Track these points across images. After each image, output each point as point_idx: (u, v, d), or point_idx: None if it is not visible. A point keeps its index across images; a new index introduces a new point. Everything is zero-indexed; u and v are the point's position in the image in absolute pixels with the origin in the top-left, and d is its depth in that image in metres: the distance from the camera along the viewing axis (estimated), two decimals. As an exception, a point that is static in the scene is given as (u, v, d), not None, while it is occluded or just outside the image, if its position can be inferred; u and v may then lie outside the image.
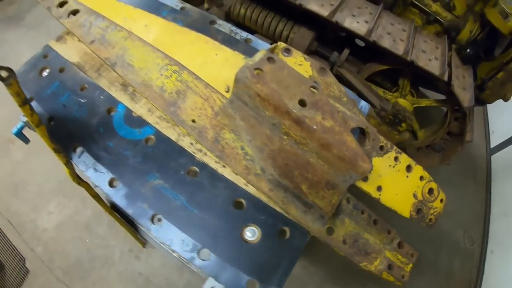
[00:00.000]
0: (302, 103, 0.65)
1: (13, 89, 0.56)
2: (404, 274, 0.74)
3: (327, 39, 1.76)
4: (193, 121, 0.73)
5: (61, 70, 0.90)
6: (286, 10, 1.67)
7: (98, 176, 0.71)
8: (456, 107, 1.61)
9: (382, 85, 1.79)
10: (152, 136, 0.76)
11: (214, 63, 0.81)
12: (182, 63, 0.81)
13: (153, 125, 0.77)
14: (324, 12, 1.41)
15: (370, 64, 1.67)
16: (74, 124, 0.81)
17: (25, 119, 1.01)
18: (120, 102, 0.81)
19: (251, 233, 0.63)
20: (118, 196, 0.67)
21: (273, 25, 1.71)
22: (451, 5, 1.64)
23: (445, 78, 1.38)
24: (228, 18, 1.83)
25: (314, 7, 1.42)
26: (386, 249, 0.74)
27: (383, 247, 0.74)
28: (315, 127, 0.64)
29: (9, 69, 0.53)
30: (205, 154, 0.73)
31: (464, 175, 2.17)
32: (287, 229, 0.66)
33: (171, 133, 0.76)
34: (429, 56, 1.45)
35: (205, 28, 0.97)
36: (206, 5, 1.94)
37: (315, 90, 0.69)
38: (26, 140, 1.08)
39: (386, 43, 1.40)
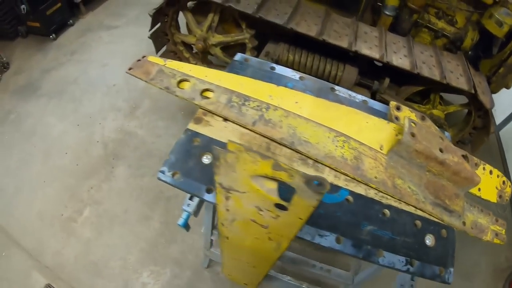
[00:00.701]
0: (441, 150, 0.96)
1: (319, 197, 0.63)
2: (504, 237, 1.08)
3: (362, 69, 2.12)
4: (375, 177, 0.95)
5: (228, 154, 0.99)
6: (325, 49, 1.97)
7: (326, 239, 0.85)
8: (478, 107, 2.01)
9: (412, 99, 2.20)
10: (349, 196, 0.92)
11: (367, 129, 1.02)
12: (344, 133, 1.04)
13: (345, 187, 0.93)
14: (375, 55, 1.72)
15: (406, 87, 2.02)
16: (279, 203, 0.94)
17: (190, 209, 1.05)
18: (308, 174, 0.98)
19: (429, 240, 0.92)
20: (347, 248, 0.85)
21: (321, 66, 1.98)
22: (453, 21, 2.05)
23: (473, 91, 1.80)
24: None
25: (366, 51, 1.74)
26: (490, 225, 1.07)
27: (489, 224, 1.07)
28: (451, 164, 0.95)
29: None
30: (386, 198, 0.94)
31: (482, 155, 2.64)
32: (444, 230, 0.96)
33: (360, 190, 0.93)
34: (456, 74, 1.85)
35: (329, 95, 1.16)
36: (248, 53, 2.18)
37: (442, 140, 1.01)
38: (188, 228, 1.14)
39: (425, 72, 1.74)
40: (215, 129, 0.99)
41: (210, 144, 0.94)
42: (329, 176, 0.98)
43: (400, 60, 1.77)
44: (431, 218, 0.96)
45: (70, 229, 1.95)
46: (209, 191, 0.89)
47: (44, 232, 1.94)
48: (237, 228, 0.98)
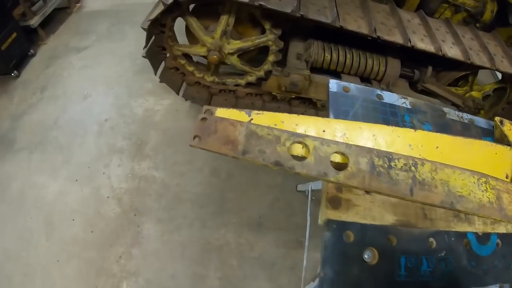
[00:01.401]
0: None
1: None
2: None
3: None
4: (515, 212, 0.84)
5: (392, 241, 0.75)
6: (350, 39, 1.67)
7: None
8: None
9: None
10: (498, 240, 0.85)
11: (497, 161, 0.89)
12: (483, 173, 0.87)
13: (492, 231, 0.85)
14: (431, 48, 1.49)
15: (446, 72, 1.84)
16: (451, 279, 0.79)
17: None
18: (465, 231, 0.82)
19: None
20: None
21: (362, 63, 1.70)
22: None
23: None
24: (311, 67, 1.78)
25: (421, 45, 1.49)
26: None
27: None
28: None
29: None
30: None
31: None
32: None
33: (502, 229, 0.87)
34: (499, 57, 1.69)
35: (444, 121, 0.97)
36: (272, 57, 1.82)
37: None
38: None
39: (477, 60, 1.55)
40: (362, 209, 0.77)
41: (366, 235, 0.72)
42: (480, 225, 0.88)
43: (452, 50, 1.58)
44: None
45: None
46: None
47: (77, 325, 1.55)
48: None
